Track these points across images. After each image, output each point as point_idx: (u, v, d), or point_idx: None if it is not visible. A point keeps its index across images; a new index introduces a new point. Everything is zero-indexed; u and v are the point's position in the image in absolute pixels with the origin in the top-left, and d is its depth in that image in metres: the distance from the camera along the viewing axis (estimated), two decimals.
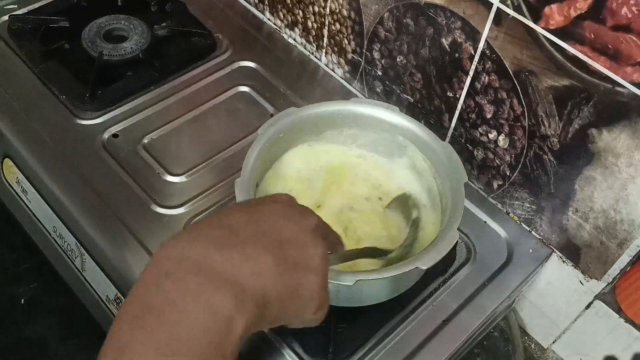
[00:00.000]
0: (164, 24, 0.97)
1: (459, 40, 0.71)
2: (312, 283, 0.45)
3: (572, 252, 0.74)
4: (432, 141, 0.72)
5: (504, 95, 0.70)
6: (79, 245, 0.76)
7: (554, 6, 0.60)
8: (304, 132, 0.75)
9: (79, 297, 0.81)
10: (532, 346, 0.88)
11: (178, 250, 0.41)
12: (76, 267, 0.79)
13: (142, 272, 0.40)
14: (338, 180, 0.76)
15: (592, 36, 0.58)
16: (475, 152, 0.79)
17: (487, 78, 0.71)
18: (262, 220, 0.45)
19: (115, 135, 0.84)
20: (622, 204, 0.65)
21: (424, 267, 0.60)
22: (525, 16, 0.63)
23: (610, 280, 0.72)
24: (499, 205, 0.81)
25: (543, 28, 0.62)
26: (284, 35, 1.02)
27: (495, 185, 0.79)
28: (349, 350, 0.67)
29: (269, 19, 1.03)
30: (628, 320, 0.74)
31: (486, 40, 0.68)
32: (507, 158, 0.75)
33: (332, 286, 0.61)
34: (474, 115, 0.76)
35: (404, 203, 0.72)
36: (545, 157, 0.70)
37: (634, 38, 0.55)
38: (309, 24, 0.94)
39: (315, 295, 0.45)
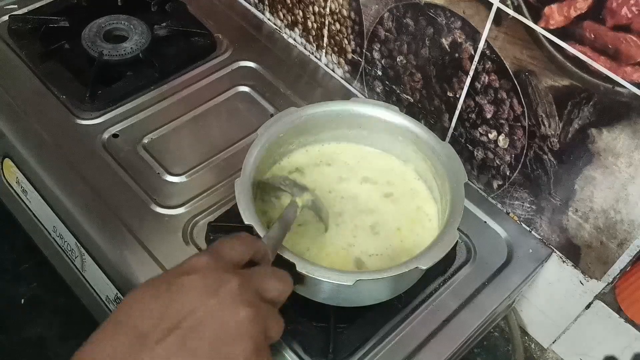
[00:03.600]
0: (164, 24, 0.97)
1: (459, 40, 0.71)
2: None
3: (572, 252, 0.74)
4: (432, 141, 0.72)
5: (504, 95, 0.70)
6: (79, 245, 0.76)
7: (554, 6, 0.60)
8: (304, 132, 0.75)
9: (79, 297, 0.81)
10: (532, 346, 0.88)
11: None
12: (76, 267, 0.79)
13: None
14: (337, 178, 0.76)
15: (592, 36, 0.58)
16: (475, 152, 0.79)
17: (487, 78, 0.71)
18: (174, 314, 0.43)
19: (115, 135, 0.84)
20: (622, 204, 0.65)
21: (424, 267, 0.60)
22: (525, 16, 0.63)
23: (610, 280, 0.72)
24: (499, 205, 0.81)
25: (543, 28, 0.62)
26: (284, 35, 1.02)
27: (495, 185, 0.79)
28: (349, 350, 0.67)
29: (269, 19, 1.03)
30: (628, 320, 0.74)
31: (486, 40, 0.68)
32: (507, 158, 0.75)
33: (332, 286, 0.61)
34: (474, 115, 0.76)
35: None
36: (545, 157, 0.70)
37: (634, 38, 0.55)
38: (309, 24, 0.94)
39: None
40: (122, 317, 0.43)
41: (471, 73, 0.72)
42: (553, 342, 0.86)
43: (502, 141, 0.74)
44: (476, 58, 0.71)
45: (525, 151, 0.72)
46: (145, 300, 0.44)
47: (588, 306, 0.77)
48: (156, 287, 0.45)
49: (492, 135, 0.75)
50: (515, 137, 0.72)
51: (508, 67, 0.68)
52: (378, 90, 0.89)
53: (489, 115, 0.74)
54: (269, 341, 0.47)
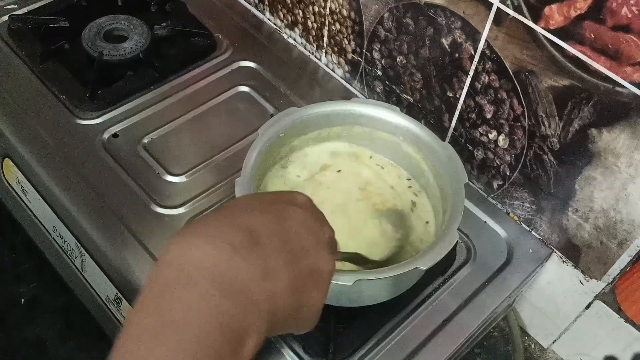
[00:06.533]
0: (164, 24, 0.97)
1: (459, 40, 0.71)
2: (316, 304, 0.45)
3: (572, 252, 0.74)
4: (432, 141, 0.72)
5: (504, 95, 0.70)
6: (79, 245, 0.76)
7: (554, 6, 0.60)
8: (305, 132, 0.75)
9: (79, 297, 0.81)
10: (532, 346, 0.88)
11: (192, 253, 0.38)
12: (76, 267, 0.79)
13: (154, 272, 0.38)
14: (337, 179, 0.76)
15: (592, 36, 0.58)
16: (475, 152, 0.79)
17: (487, 78, 0.71)
18: (285, 228, 0.43)
19: (115, 135, 0.84)
20: (622, 204, 0.65)
21: (424, 268, 0.60)
22: (525, 16, 0.63)
23: (610, 280, 0.72)
24: (499, 205, 0.81)
25: (543, 28, 0.62)
26: (284, 35, 1.02)
27: (495, 185, 0.79)
28: (349, 350, 0.67)
29: (269, 19, 1.03)
30: (628, 320, 0.74)
31: (486, 40, 0.68)
32: (507, 158, 0.75)
33: (332, 286, 0.61)
34: (474, 115, 0.76)
35: (398, 219, 0.72)
36: (545, 157, 0.70)
37: (634, 38, 0.55)
38: (309, 24, 0.94)
39: (316, 315, 0.46)
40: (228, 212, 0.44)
41: (471, 73, 0.72)
42: (553, 342, 0.86)
43: (502, 141, 0.74)
44: (476, 58, 0.71)
45: (525, 151, 0.72)
46: (255, 213, 0.44)
47: (588, 306, 0.77)
48: (263, 204, 0.46)
49: (492, 135, 0.75)
50: (515, 137, 0.72)
51: (508, 67, 0.68)
52: (378, 90, 0.89)
53: (489, 115, 0.74)
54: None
